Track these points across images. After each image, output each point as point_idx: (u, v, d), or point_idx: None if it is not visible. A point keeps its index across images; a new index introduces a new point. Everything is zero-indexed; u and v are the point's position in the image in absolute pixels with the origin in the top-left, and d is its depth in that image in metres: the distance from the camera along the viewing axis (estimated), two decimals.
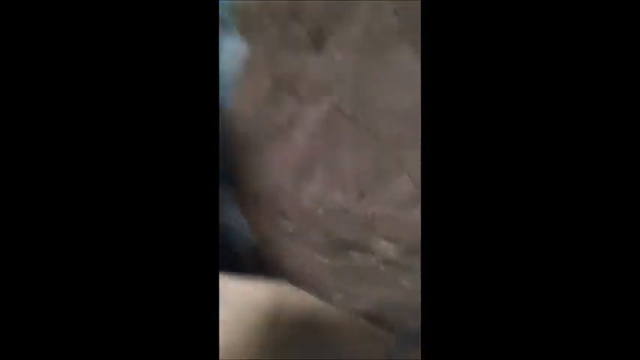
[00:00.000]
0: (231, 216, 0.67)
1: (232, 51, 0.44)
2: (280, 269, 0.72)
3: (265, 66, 0.45)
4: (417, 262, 0.61)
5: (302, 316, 0.55)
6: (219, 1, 0.40)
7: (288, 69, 0.44)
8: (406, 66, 0.39)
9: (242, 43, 0.42)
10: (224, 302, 0.48)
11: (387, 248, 0.60)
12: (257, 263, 0.73)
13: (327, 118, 0.47)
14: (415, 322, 0.72)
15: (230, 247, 0.71)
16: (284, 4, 0.40)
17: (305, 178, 0.56)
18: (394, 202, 0.53)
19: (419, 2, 0.34)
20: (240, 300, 0.50)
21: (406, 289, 0.65)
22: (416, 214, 0.53)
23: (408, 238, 0.58)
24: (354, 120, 0.46)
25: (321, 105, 0.46)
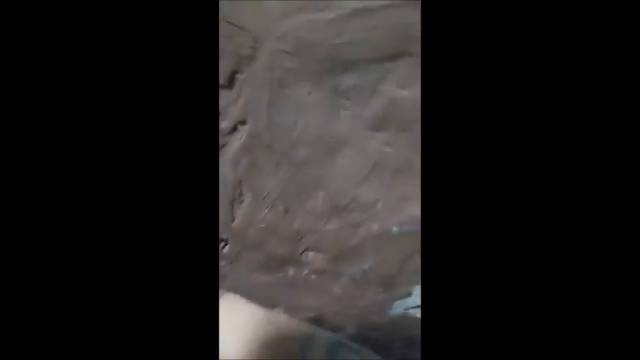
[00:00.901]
0: None
1: None
2: (222, 290, 0.75)
3: None
4: (343, 269, 0.68)
5: (245, 322, 0.58)
6: None
7: None
8: (305, 98, 0.48)
9: None
10: None
11: (314, 258, 0.67)
12: None
13: (247, 146, 0.54)
14: (352, 327, 0.79)
15: None
16: None
17: (235, 202, 0.62)
18: (315, 215, 0.60)
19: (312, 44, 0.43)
20: None
21: (337, 295, 0.72)
22: (334, 224, 0.61)
23: (331, 247, 0.65)
24: (270, 147, 0.53)
25: (241, 135, 0.53)
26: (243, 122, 0.51)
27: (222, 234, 0.68)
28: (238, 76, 0.47)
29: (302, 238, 0.65)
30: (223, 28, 0.43)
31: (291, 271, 0.70)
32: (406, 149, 0.52)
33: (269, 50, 0.44)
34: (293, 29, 0.44)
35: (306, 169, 0.55)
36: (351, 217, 0.59)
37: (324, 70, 0.46)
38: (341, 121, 0.49)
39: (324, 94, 0.47)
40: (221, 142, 0.54)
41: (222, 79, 0.47)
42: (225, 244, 0.70)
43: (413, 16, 0.42)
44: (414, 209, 0.58)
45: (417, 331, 0.71)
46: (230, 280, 0.75)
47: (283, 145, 0.53)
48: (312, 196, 0.59)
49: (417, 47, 0.44)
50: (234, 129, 0.52)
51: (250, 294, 0.77)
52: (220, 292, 0.42)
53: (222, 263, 0.73)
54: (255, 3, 0.42)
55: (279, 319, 0.43)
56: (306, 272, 0.70)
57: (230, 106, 0.50)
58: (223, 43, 0.43)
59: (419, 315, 0.72)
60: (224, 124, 0.52)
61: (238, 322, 0.41)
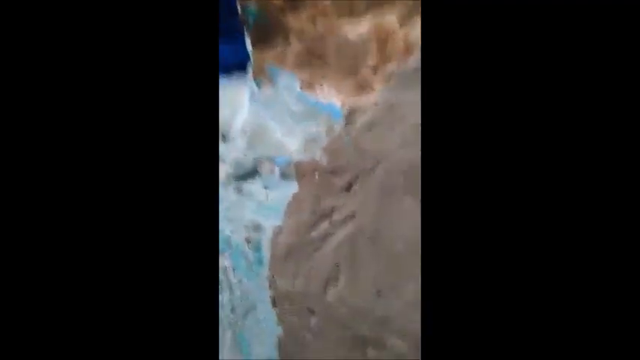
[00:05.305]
0: (264, 310, 0.79)
1: (288, 191, 0.63)
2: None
3: (310, 201, 0.63)
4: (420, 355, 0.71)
5: None
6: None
7: (326, 204, 0.63)
8: (407, 206, 0.58)
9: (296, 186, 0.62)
10: None
11: (398, 344, 0.71)
12: (281, 354, 0.82)
13: (352, 237, 0.64)
14: None
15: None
16: (327, 163, 0.60)
17: (331, 282, 0.71)
18: (405, 302, 0.66)
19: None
20: None
21: None
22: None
23: (415, 333, 0.69)
24: (372, 240, 0.63)
25: (348, 228, 0.63)
26: (352, 216, 0.62)
27: (314, 308, 0.76)
28: (357, 182, 0.59)
29: (390, 322, 0.70)
30: (350, 152, 0.56)
31: (372, 353, 0.75)
32: None
33: (384, 168, 0.56)
34: (405, 155, 0.55)
35: (400, 262, 0.63)
36: None
37: None
38: None
39: (415, 202, 0.57)
40: (331, 230, 0.65)
41: (344, 183, 0.59)
42: (313, 313, 0.77)
43: None
44: None
45: None
46: (310, 352, 0.81)
47: (382, 241, 0.62)
48: (405, 286, 0.65)
49: None
50: (343, 221, 0.63)
51: None
52: None
53: (307, 335, 0.80)
54: (380, 133, 0.54)
55: None
56: (385, 355, 0.74)
57: (345, 204, 0.61)
58: (353, 159, 0.56)
59: None
60: (337, 216, 0.63)
61: None
